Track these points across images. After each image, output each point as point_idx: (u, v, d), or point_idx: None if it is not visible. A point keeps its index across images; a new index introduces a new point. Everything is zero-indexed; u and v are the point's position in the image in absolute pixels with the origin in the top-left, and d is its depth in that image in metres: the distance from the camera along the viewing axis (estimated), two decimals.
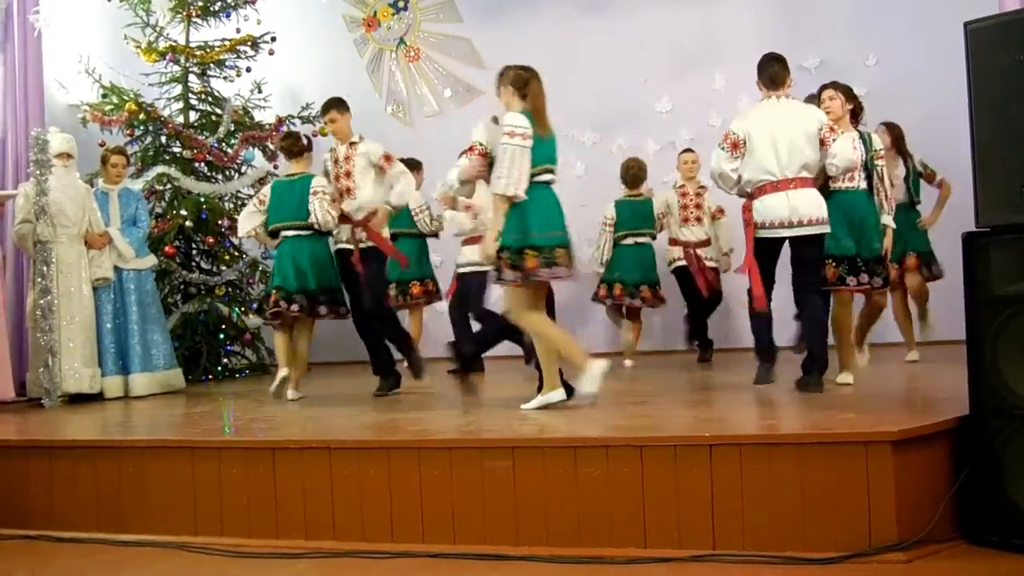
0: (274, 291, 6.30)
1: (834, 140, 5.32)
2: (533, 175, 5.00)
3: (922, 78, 8.02)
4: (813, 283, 5.40)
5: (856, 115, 5.85)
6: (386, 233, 6.36)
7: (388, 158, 6.24)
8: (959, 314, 3.92)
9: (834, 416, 4.38)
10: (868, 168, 5.59)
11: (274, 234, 6.41)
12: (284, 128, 8.99)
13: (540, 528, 4.00)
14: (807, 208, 5.27)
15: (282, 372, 6.38)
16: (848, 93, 5.71)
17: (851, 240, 5.48)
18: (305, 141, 6.55)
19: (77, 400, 6.94)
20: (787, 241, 5.38)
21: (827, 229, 5.33)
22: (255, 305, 8.79)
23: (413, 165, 7.79)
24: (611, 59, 9.16)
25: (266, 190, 6.51)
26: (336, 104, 6.33)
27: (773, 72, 5.49)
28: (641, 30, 9.16)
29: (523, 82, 5.10)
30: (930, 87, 7.84)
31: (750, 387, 5.70)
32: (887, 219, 5.60)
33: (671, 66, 9.13)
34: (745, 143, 5.38)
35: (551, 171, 5.08)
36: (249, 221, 6.51)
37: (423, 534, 4.15)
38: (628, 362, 7.79)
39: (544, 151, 5.03)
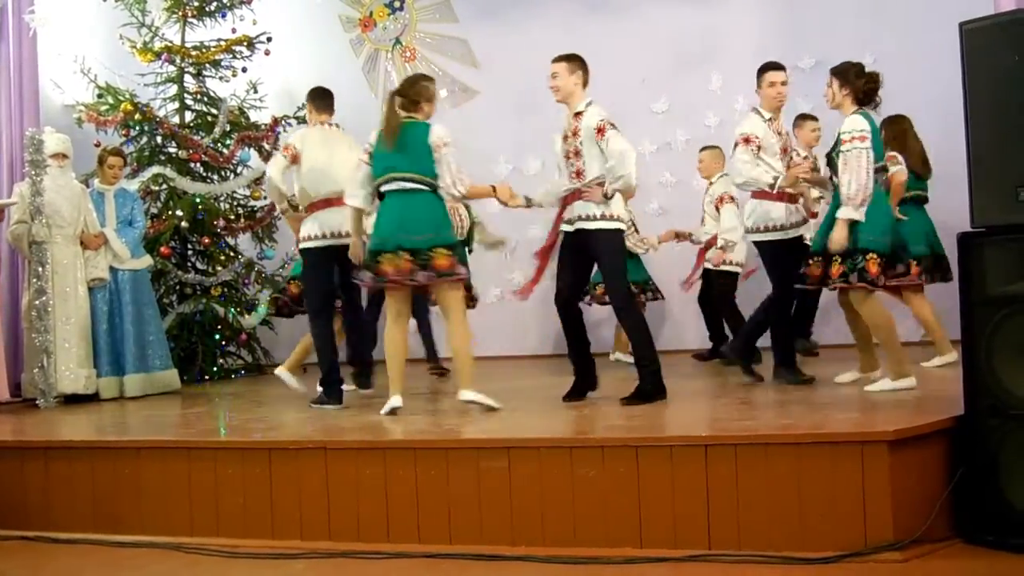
0: None
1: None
2: (376, 186, 5.27)
3: (918, 78, 8.01)
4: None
5: (865, 97, 5.36)
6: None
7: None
8: (955, 314, 3.93)
9: (830, 416, 4.39)
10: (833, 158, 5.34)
11: None
12: (279, 129, 9.00)
13: (536, 528, 4.00)
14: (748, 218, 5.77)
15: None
16: (851, 76, 5.34)
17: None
18: None
19: (72, 401, 6.92)
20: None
21: (755, 237, 5.71)
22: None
23: None
24: (608, 59, 9.09)
25: None
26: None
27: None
28: (638, 30, 9.15)
29: None
30: (926, 87, 7.84)
31: (746, 387, 5.71)
32: (842, 211, 5.13)
33: (668, 66, 9.12)
34: None
35: (392, 180, 5.19)
36: None
37: (419, 534, 4.15)
38: (612, 356, 8.02)
39: (379, 163, 5.23)
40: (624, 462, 3.93)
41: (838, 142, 5.23)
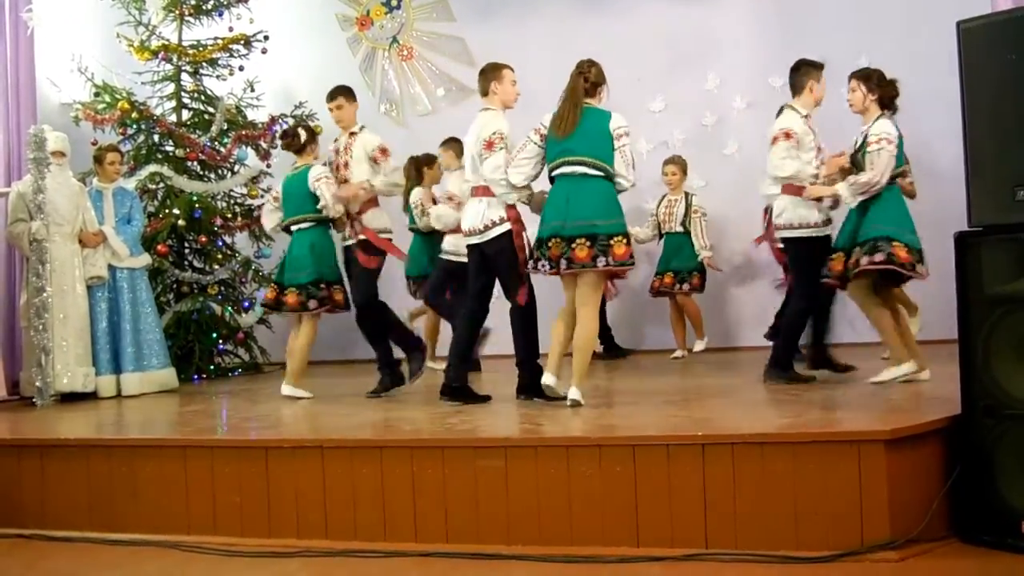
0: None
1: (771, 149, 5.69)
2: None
3: (914, 78, 8.00)
4: None
5: (887, 103, 5.50)
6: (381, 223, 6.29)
7: (383, 151, 6.19)
8: (951, 313, 3.93)
9: (826, 415, 4.39)
10: None
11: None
12: (277, 127, 8.99)
13: (533, 527, 4.00)
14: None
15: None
16: (875, 80, 5.50)
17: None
18: (305, 134, 6.45)
19: (70, 399, 6.91)
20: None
21: (790, 234, 5.70)
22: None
23: (428, 161, 7.79)
24: (604, 58, 8.96)
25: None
26: (344, 91, 6.36)
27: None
28: (635, 29, 9.13)
29: None
30: (922, 87, 7.84)
31: (742, 387, 5.72)
32: (840, 185, 5.49)
33: (664, 66, 9.11)
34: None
35: (565, 164, 5.40)
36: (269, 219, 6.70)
37: (416, 533, 4.15)
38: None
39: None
40: (621, 461, 3.93)
41: (864, 143, 5.34)
